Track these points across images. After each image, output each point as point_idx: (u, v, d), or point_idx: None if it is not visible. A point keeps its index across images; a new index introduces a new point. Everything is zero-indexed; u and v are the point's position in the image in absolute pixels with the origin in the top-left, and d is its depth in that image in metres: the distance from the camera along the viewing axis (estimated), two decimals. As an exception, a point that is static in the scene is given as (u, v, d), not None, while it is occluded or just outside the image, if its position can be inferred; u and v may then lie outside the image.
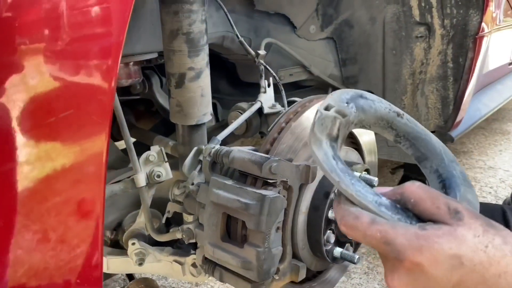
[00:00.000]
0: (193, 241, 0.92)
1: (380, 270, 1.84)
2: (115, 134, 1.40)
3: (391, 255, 0.47)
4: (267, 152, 0.86)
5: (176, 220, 1.08)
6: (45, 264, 0.45)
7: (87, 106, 0.40)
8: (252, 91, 1.30)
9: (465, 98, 1.51)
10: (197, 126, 1.00)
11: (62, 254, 0.44)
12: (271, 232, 0.78)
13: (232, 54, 1.38)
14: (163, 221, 1.02)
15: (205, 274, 0.95)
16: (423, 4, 1.44)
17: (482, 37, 1.43)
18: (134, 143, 1.45)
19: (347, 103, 0.54)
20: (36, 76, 0.37)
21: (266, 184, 0.80)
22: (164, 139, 1.28)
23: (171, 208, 0.98)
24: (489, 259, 0.45)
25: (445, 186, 0.58)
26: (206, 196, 0.83)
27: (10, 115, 0.37)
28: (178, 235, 0.95)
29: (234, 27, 1.11)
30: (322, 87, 1.65)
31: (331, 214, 0.88)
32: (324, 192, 0.88)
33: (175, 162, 1.06)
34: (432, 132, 1.31)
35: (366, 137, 1.05)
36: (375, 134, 1.14)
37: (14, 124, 0.36)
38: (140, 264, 1.04)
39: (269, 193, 0.77)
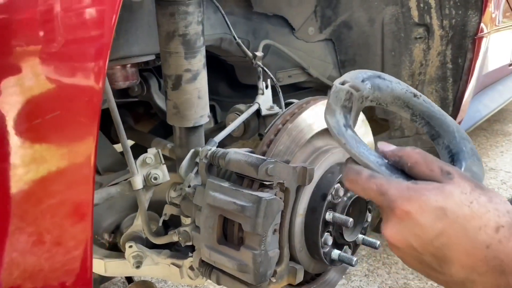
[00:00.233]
0: (190, 243, 0.92)
1: (380, 272, 1.83)
2: (113, 137, 1.40)
3: (385, 206, 0.52)
4: (263, 154, 0.85)
5: (174, 223, 1.08)
6: (34, 267, 0.45)
7: (74, 108, 0.39)
8: (251, 93, 1.30)
9: (464, 99, 1.51)
10: (194, 128, 0.99)
11: (50, 256, 0.44)
12: (267, 234, 0.77)
13: (230, 56, 1.37)
14: (160, 223, 1.02)
15: (202, 277, 0.94)
16: (422, 5, 1.44)
17: (481, 37, 1.43)
18: (133, 146, 1.46)
19: (362, 80, 0.58)
20: (22, 78, 0.37)
21: (262, 186, 0.80)
22: (162, 141, 1.28)
23: (168, 210, 0.98)
24: (472, 213, 0.49)
25: (453, 159, 0.62)
26: (202, 198, 0.83)
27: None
28: (175, 238, 0.95)
29: (232, 29, 1.11)
30: (321, 89, 1.65)
31: (328, 216, 0.87)
32: (322, 194, 0.87)
33: (173, 165, 1.05)
34: None
35: (364, 139, 1.05)
36: (373, 135, 1.14)
37: None
38: (138, 267, 1.03)
39: (265, 195, 0.76)
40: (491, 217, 0.49)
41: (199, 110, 0.97)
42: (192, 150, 0.94)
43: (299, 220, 0.87)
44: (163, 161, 0.94)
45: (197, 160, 0.91)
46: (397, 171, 0.54)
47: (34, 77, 0.36)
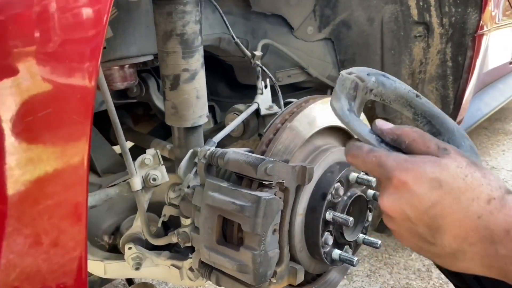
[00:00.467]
0: (189, 244, 0.91)
1: (382, 272, 1.82)
2: (112, 138, 1.40)
3: (383, 176, 0.54)
4: (262, 153, 0.85)
5: (174, 224, 1.07)
6: (31, 268, 0.44)
7: (66, 108, 0.39)
8: (250, 93, 1.29)
9: (465, 97, 1.50)
10: (193, 129, 0.99)
11: (47, 257, 0.43)
12: (267, 234, 0.76)
13: (229, 56, 1.37)
14: (159, 224, 1.01)
15: (202, 278, 0.93)
16: (421, 3, 1.43)
17: (481, 35, 1.42)
18: (133, 147, 1.45)
19: (368, 74, 0.62)
20: (16, 77, 0.36)
21: (262, 185, 0.79)
22: (162, 142, 1.28)
23: (167, 211, 0.97)
24: (466, 185, 0.51)
25: None
26: (201, 199, 0.82)
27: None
28: (174, 239, 0.94)
29: (230, 28, 1.10)
30: (321, 89, 1.64)
31: (328, 216, 0.87)
32: (321, 193, 0.87)
33: (172, 165, 1.05)
34: None
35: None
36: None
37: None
38: (137, 269, 1.03)
39: (264, 194, 0.76)
40: (484, 190, 0.51)
41: (198, 110, 0.96)
42: (191, 151, 0.93)
43: (299, 219, 0.86)
44: (162, 162, 0.93)
45: (196, 160, 0.90)
46: (394, 149, 0.57)
47: (25, 77, 0.36)
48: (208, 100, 1.00)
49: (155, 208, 1.07)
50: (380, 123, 0.59)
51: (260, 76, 1.15)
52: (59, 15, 0.42)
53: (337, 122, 0.96)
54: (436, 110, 0.65)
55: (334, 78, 1.61)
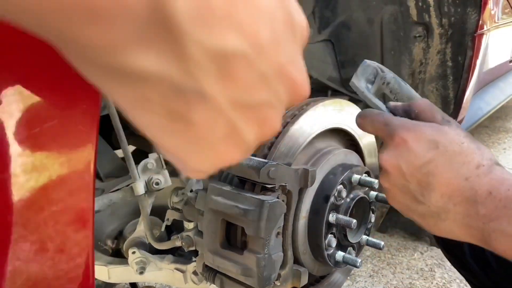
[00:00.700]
0: (193, 248, 0.91)
1: (385, 272, 1.83)
2: (115, 143, 1.40)
3: (386, 134, 0.59)
4: (265, 156, 0.85)
5: (178, 227, 1.07)
6: (37, 275, 0.45)
7: (72, 115, 0.39)
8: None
9: (465, 97, 1.50)
10: (195, 132, 0.99)
11: (53, 264, 0.44)
12: (270, 237, 0.77)
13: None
14: (163, 229, 1.01)
15: (206, 282, 0.94)
16: (420, 4, 1.43)
17: (481, 35, 1.42)
18: (135, 151, 1.46)
19: (388, 70, 0.68)
20: (19, 85, 0.37)
21: (265, 189, 0.79)
22: (164, 146, 1.28)
23: (170, 215, 0.97)
24: (461, 150, 0.55)
25: None
26: (204, 203, 0.82)
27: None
28: (178, 243, 0.95)
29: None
30: (322, 90, 1.65)
31: (331, 218, 0.87)
32: (324, 196, 0.87)
33: (175, 169, 1.05)
34: None
35: (366, 139, 1.04)
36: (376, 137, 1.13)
37: None
38: (141, 273, 1.03)
39: (267, 198, 0.76)
40: (476, 157, 0.55)
41: (200, 114, 0.96)
42: (193, 155, 0.94)
43: (302, 222, 0.87)
44: (164, 166, 0.94)
45: (199, 164, 0.90)
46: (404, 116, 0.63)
47: (31, 85, 0.36)
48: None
49: (158, 212, 1.07)
50: (393, 103, 0.66)
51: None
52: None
53: (339, 124, 0.97)
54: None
55: (335, 80, 1.62)
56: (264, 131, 0.30)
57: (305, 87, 0.31)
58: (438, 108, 0.61)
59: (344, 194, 0.89)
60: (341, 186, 0.88)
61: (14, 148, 0.37)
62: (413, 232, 2.06)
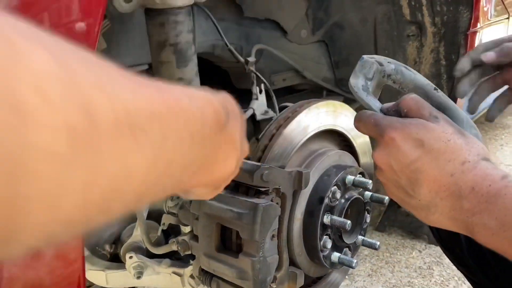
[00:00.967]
0: (189, 252, 0.92)
1: (383, 271, 1.83)
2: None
3: (377, 134, 0.61)
4: (258, 159, 0.85)
5: (175, 231, 1.08)
6: (31, 281, 0.45)
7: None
8: (247, 98, 1.30)
9: (460, 95, 1.51)
10: (190, 137, 0.99)
11: (46, 270, 0.44)
12: (265, 240, 0.77)
13: (224, 62, 1.38)
14: (159, 233, 1.02)
15: (203, 286, 0.94)
16: (413, 3, 1.44)
17: (473, 33, 1.43)
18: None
19: (388, 62, 0.68)
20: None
21: (259, 192, 0.80)
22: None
23: (166, 220, 0.98)
24: (446, 148, 0.57)
25: None
26: (199, 207, 0.83)
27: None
28: (174, 247, 0.95)
29: (223, 35, 1.11)
30: (317, 90, 1.65)
31: (326, 219, 0.87)
32: (319, 197, 0.87)
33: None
34: None
35: (360, 139, 1.05)
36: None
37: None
38: (139, 277, 1.03)
39: (261, 201, 0.76)
40: (462, 154, 0.57)
41: (194, 118, 0.97)
42: (187, 159, 0.94)
43: (297, 224, 0.87)
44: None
45: (193, 168, 0.91)
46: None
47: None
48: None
49: (155, 216, 1.07)
50: (385, 105, 0.66)
51: (255, 82, 1.16)
52: (51, 30, 0.43)
53: (332, 125, 0.97)
54: (451, 103, 0.70)
55: (329, 80, 1.62)
56: None
57: None
58: (425, 104, 0.62)
59: (338, 195, 0.89)
60: (335, 187, 0.89)
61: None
62: (411, 230, 2.07)
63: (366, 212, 0.97)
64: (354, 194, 0.93)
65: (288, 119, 0.90)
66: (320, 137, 0.96)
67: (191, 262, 0.99)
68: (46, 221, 0.22)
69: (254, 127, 1.16)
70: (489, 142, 3.23)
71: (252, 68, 1.14)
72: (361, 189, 0.94)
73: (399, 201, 0.64)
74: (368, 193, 0.95)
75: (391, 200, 0.73)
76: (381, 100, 0.68)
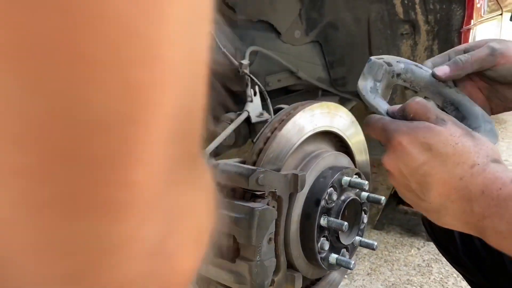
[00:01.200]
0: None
1: (383, 270, 1.83)
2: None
3: (385, 139, 0.61)
4: (254, 163, 0.85)
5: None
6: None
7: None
8: (243, 100, 1.30)
9: (455, 92, 1.51)
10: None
11: None
12: (262, 244, 0.77)
13: (218, 64, 1.37)
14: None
15: (201, 290, 0.94)
16: (406, 2, 1.44)
17: (467, 30, 1.43)
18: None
19: (398, 61, 0.67)
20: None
21: (254, 196, 0.79)
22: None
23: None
24: (454, 151, 0.56)
25: None
26: (195, 212, 0.82)
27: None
28: (172, 253, 0.95)
29: (217, 38, 1.11)
30: (312, 91, 1.65)
31: (323, 221, 0.87)
32: (315, 200, 0.87)
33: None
34: None
35: (354, 139, 1.05)
36: (365, 135, 1.14)
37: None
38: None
39: (257, 205, 0.76)
40: (471, 157, 0.56)
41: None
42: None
43: (294, 227, 0.87)
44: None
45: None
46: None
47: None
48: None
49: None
50: (391, 107, 0.65)
51: (249, 84, 1.16)
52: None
53: (327, 127, 0.97)
54: (466, 98, 0.69)
55: (324, 80, 1.62)
56: None
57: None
58: (432, 107, 0.62)
59: (335, 196, 0.89)
60: (331, 189, 0.89)
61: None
62: (409, 228, 2.07)
63: (363, 212, 0.97)
64: (351, 195, 0.93)
65: (283, 122, 0.90)
66: (316, 138, 0.96)
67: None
68: None
69: (250, 129, 1.16)
70: (486, 137, 3.23)
71: (246, 71, 1.14)
72: (358, 189, 0.94)
73: (412, 204, 0.64)
74: (364, 194, 0.95)
75: (389, 198, 0.73)
76: (392, 100, 0.67)
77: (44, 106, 0.15)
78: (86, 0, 0.14)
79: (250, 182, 0.76)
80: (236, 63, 1.14)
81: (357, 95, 0.69)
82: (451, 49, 0.72)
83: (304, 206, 0.88)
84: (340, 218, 0.89)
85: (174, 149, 0.20)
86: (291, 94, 1.68)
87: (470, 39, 1.50)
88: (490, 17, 1.82)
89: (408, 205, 1.85)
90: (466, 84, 0.71)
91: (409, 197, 0.63)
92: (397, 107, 0.65)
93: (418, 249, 1.96)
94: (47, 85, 0.15)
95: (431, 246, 1.94)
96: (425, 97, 0.73)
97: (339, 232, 0.90)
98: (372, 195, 0.95)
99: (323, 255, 0.89)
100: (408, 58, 1.53)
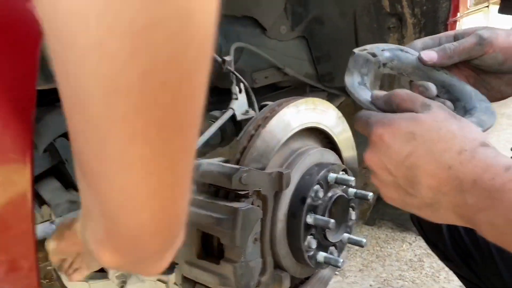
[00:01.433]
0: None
1: (374, 266, 1.82)
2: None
3: (367, 133, 0.58)
4: (237, 162, 0.83)
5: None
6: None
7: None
8: (229, 97, 1.28)
9: (442, 86, 1.50)
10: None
11: (25, 282, 0.43)
12: (247, 245, 0.75)
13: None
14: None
15: (188, 292, 0.92)
16: (391, -5, 1.43)
17: (453, 22, 1.42)
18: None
19: (382, 49, 0.65)
20: None
21: (238, 196, 0.77)
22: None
23: (147, 227, 0.95)
24: (439, 137, 0.53)
25: (465, 114, 0.66)
26: (178, 213, 0.80)
27: None
28: (156, 255, 0.92)
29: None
30: (300, 87, 1.63)
31: (309, 219, 0.85)
32: (301, 197, 0.85)
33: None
34: None
35: (341, 135, 1.03)
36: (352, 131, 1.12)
37: None
38: (122, 287, 1.01)
39: (241, 205, 0.74)
40: (457, 142, 0.53)
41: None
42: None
43: (280, 226, 0.85)
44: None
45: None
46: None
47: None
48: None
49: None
50: (376, 92, 0.62)
51: (234, 81, 1.13)
52: None
53: (313, 123, 0.95)
54: (455, 79, 0.67)
55: (312, 76, 1.60)
56: None
57: None
58: (417, 95, 0.59)
59: (321, 194, 0.87)
60: (317, 186, 0.87)
61: None
62: (401, 223, 2.07)
63: (351, 209, 0.95)
64: (338, 192, 0.91)
65: (267, 119, 0.88)
66: (301, 135, 0.94)
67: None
68: None
69: (235, 127, 1.14)
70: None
71: (230, 67, 1.12)
72: (345, 186, 0.92)
73: (400, 204, 0.59)
74: (352, 190, 0.93)
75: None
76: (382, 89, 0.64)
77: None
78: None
79: (233, 182, 0.74)
80: (219, 59, 1.11)
81: (345, 90, 0.66)
82: (442, 33, 0.70)
83: (290, 205, 0.86)
84: (327, 215, 0.87)
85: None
86: (280, 91, 1.66)
87: (457, 32, 1.49)
88: (477, 9, 1.81)
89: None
90: (453, 72, 0.69)
91: (397, 196, 0.58)
92: (380, 93, 0.62)
93: (410, 244, 1.96)
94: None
95: (423, 241, 1.94)
96: (410, 81, 0.71)
97: (326, 229, 0.89)
98: (360, 191, 0.93)
99: (311, 253, 0.88)
100: (396, 51, 1.53)
